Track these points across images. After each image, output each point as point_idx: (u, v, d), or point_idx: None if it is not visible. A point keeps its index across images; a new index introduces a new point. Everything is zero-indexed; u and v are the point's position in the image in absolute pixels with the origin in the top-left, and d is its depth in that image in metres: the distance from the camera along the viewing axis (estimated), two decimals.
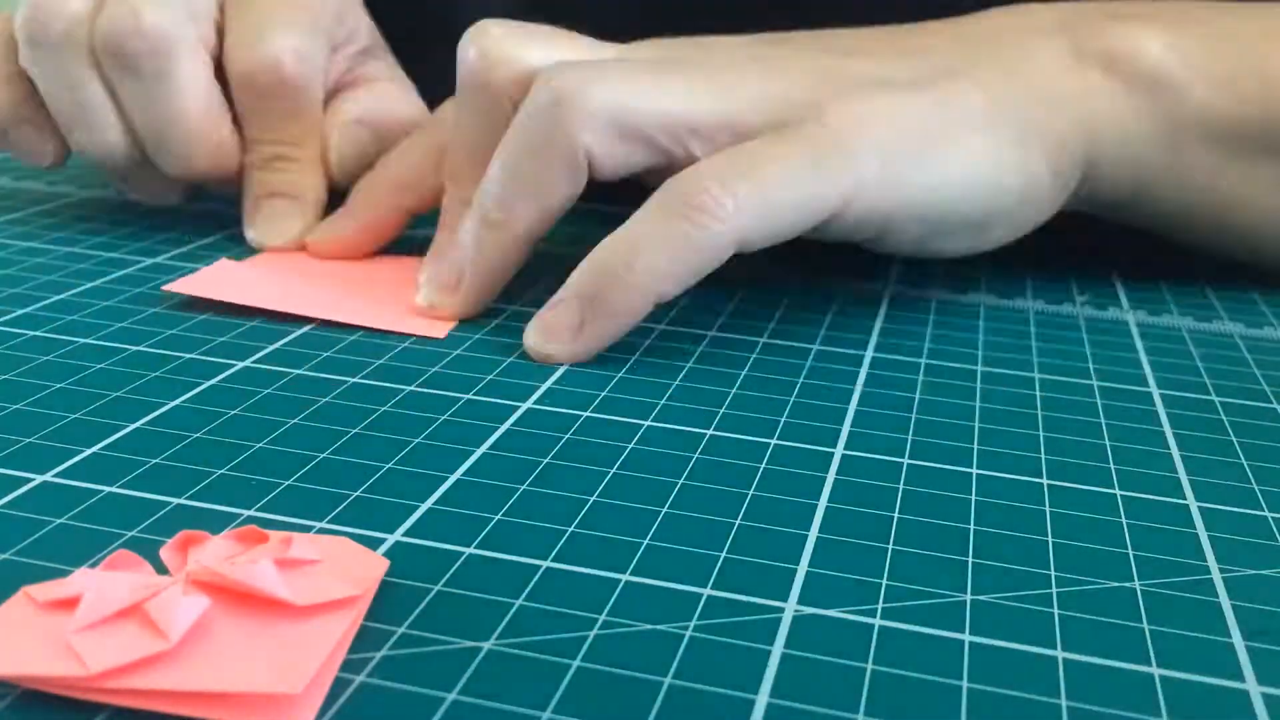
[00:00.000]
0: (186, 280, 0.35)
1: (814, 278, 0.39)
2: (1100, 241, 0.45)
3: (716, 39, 0.37)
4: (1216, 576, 0.22)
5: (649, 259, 0.30)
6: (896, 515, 0.24)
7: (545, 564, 0.22)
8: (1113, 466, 0.27)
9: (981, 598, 0.21)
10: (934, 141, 0.33)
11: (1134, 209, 0.39)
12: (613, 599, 0.21)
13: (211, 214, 0.43)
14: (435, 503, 0.24)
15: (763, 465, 0.26)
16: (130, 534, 0.22)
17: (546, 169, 0.32)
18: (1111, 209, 0.39)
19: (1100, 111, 0.36)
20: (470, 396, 0.29)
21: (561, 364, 0.31)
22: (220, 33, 0.39)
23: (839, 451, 0.27)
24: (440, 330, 0.33)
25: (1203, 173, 0.37)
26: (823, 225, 0.32)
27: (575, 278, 0.31)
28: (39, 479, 0.24)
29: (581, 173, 0.32)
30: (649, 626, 0.20)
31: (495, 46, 0.34)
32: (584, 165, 0.32)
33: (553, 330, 0.31)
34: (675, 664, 0.19)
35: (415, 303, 0.34)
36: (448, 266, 0.34)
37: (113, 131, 0.38)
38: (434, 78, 0.44)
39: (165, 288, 0.34)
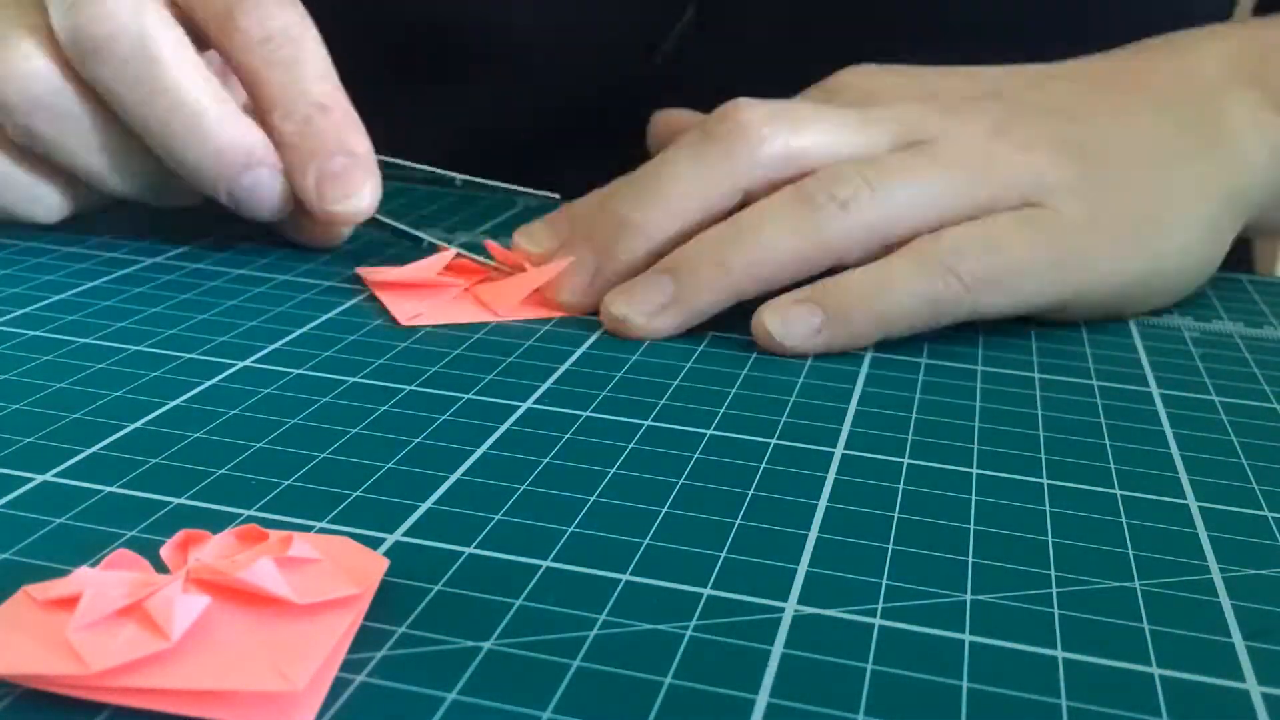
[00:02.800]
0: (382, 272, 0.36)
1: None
2: None
3: (948, 92, 0.37)
4: (1216, 576, 0.22)
5: (893, 303, 0.32)
6: (896, 515, 0.24)
7: (545, 564, 0.22)
8: (1113, 466, 0.27)
9: (981, 598, 0.21)
10: (1153, 223, 0.35)
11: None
12: (613, 599, 0.21)
13: (208, 213, 0.43)
14: (435, 503, 0.24)
15: (763, 465, 0.26)
16: (130, 534, 0.22)
17: (801, 265, 0.33)
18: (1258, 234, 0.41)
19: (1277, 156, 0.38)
20: (470, 396, 0.29)
21: (787, 355, 0.32)
22: None
23: (839, 451, 0.27)
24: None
25: None
26: (1050, 310, 0.35)
27: (822, 288, 0.33)
28: (39, 479, 0.24)
29: None
30: (649, 626, 0.20)
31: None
32: None
33: (793, 325, 0.32)
34: (675, 664, 0.19)
35: (608, 309, 0.33)
36: (653, 287, 0.33)
37: None
38: (452, 102, 0.44)
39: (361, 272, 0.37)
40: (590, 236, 0.35)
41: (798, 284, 0.33)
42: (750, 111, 0.34)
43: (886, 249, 0.33)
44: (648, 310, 0.33)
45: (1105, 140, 0.36)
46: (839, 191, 0.33)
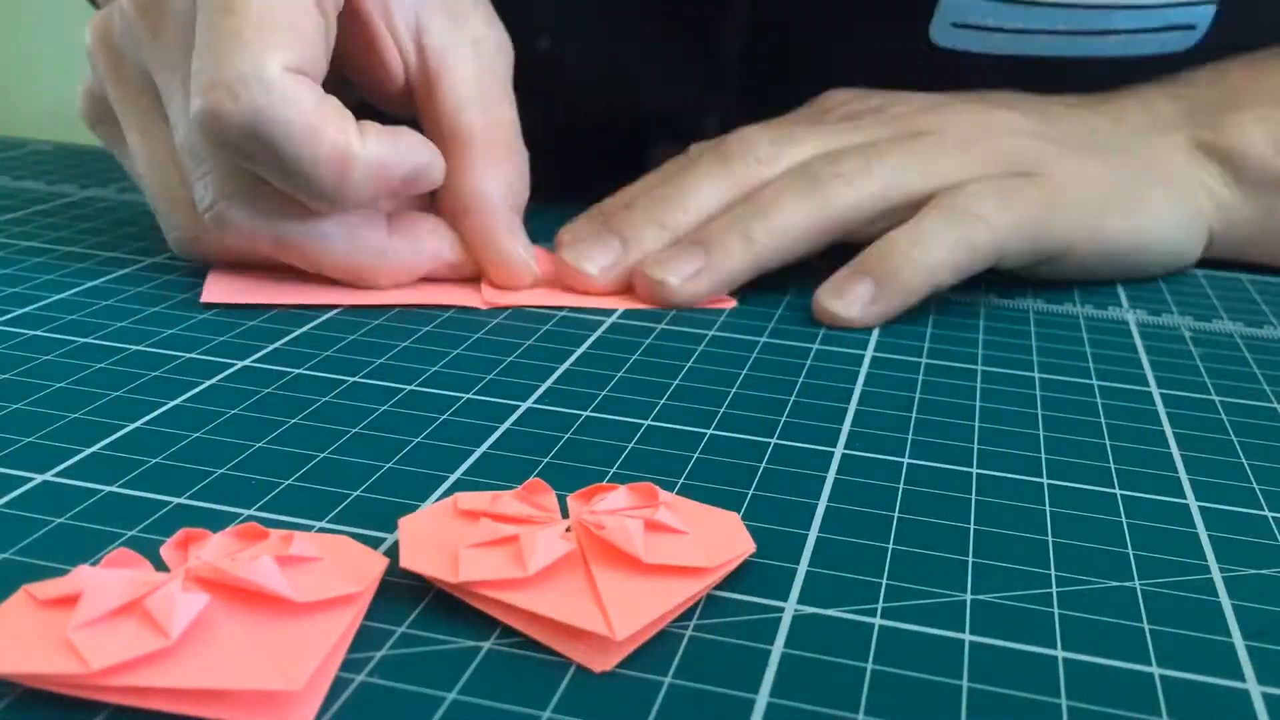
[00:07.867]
0: (214, 290, 0.35)
1: (814, 278, 0.39)
2: None
3: (936, 100, 0.42)
4: (1216, 576, 0.22)
5: (933, 252, 0.35)
6: (896, 515, 0.24)
7: None
8: (1113, 466, 0.27)
9: (981, 598, 0.21)
10: (1128, 198, 0.40)
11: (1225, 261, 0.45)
12: None
13: None
14: (435, 502, 0.24)
15: (763, 465, 0.26)
16: (130, 533, 0.22)
17: (814, 235, 0.37)
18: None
19: (1214, 195, 0.42)
20: (470, 396, 0.29)
21: (853, 327, 0.35)
22: None
23: (839, 451, 0.27)
24: (480, 302, 0.35)
25: None
26: (1050, 260, 0.38)
27: (866, 257, 0.36)
28: (39, 479, 0.24)
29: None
30: None
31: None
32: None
33: (849, 298, 0.35)
34: (675, 664, 0.19)
35: (647, 275, 0.36)
36: (687, 256, 0.36)
37: None
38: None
39: (203, 300, 0.34)
40: (619, 230, 0.37)
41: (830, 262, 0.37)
42: (757, 133, 0.39)
43: (888, 219, 0.37)
44: (684, 274, 0.36)
45: (1068, 132, 0.41)
46: (841, 168, 0.37)
